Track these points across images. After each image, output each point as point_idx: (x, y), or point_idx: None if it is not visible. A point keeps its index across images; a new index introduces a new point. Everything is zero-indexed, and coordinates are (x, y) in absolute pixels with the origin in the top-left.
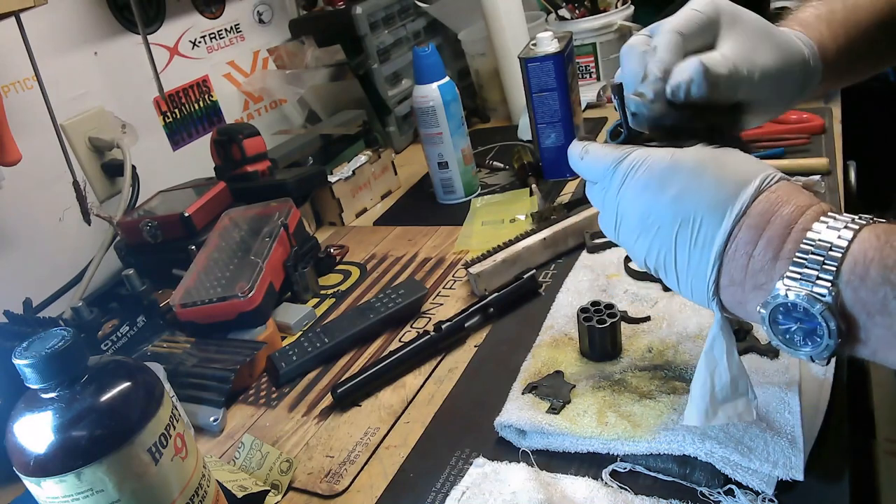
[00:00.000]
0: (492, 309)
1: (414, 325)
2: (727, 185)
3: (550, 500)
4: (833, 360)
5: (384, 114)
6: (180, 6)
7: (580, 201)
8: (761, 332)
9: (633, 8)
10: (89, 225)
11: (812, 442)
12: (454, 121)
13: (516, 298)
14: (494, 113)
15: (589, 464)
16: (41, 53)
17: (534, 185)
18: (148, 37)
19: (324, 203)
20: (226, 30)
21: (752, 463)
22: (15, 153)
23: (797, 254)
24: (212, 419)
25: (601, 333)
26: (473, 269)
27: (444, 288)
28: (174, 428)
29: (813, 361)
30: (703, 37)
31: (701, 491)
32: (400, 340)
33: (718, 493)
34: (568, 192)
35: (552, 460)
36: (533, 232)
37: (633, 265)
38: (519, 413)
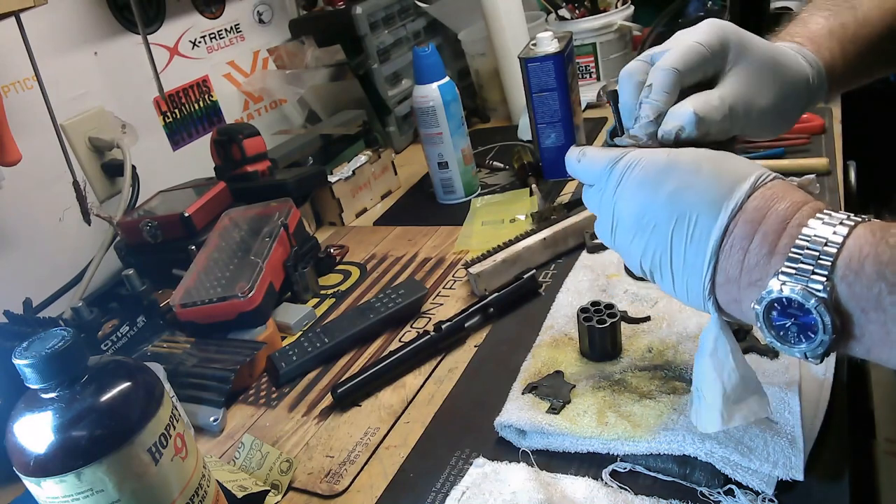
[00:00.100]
0: (492, 309)
1: (414, 325)
2: (723, 181)
3: (550, 500)
4: (832, 359)
5: (384, 114)
6: (180, 6)
7: (580, 201)
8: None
9: (633, 8)
10: (89, 225)
11: (812, 442)
12: (454, 121)
13: (516, 298)
14: (494, 113)
15: (589, 464)
16: (41, 53)
17: (534, 185)
18: (148, 37)
19: (324, 203)
20: (226, 30)
21: (752, 463)
22: (15, 153)
23: (792, 249)
24: (212, 419)
25: (601, 333)
26: (473, 269)
27: (444, 288)
28: (174, 428)
29: (807, 359)
30: (704, 71)
31: (701, 491)
32: (400, 340)
33: (718, 493)
34: (568, 192)
35: (552, 460)
36: (533, 232)
37: None
38: (519, 413)
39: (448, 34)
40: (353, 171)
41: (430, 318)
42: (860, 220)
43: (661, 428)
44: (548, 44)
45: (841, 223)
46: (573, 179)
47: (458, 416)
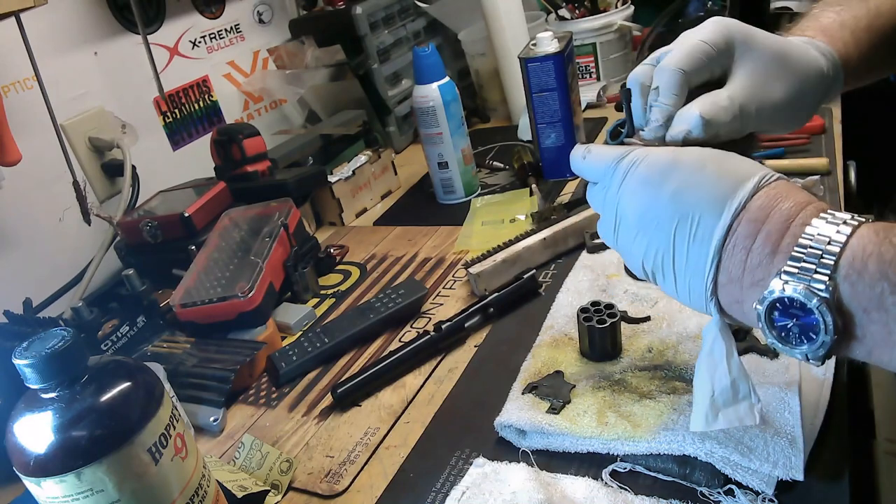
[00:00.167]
0: (492, 309)
1: (414, 325)
2: (727, 180)
3: (550, 500)
4: (832, 359)
5: (384, 114)
6: (180, 6)
7: (580, 201)
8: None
9: (633, 8)
10: (89, 225)
11: (812, 442)
12: (454, 121)
13: (516, 298)
14: (494, 113)
15: (589, 464)
16: (41, 53)
17: (534, 185)
18: (148, 37)
19: (324, 203)
20: (226, 30)
21: (752, 463)
22: (15, 153)
23: (795, 248)
24: (212, 419)
25: (601, 333)
26: (473, 269)
27: (444, 288)
28: (174, 428)
29: (808, 361)
30: (711, 69)
31: (701, 491)
32: (400, 340)
33: (718, 493)
34: (568, 192)
35: (552, 460)
36: (533, 232)
37: None
38: (519, 413)
39: (448, 34)
40: (353, 171)
41: (430, 318)
42: (864, 220)
43: (661, 428)
44: (548, 44)
45: (844, 223)
46: (573, 179)
47: (458, 416)
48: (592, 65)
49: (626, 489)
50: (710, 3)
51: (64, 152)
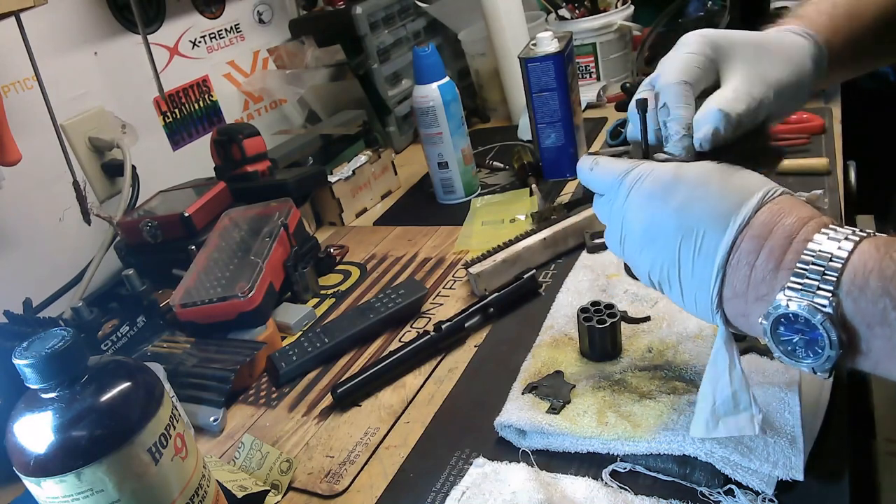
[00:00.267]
0: (492, 309)
1: (414, 325)
2: (731, 196)
3: (550, 500)
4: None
5: (384, 114)
6: (180, 6)
7: (580, 201)
8: None
9: (633, 8)
10: (89, 225)
11: (812, 442)
12: (454, 121)
13: (516, 298)
14: (494, 113)
15: (589, 464)
16: (41, 53)
17: (534, 185)
18: (148, 37)
19: (324, 203)
20: (226, 30)
21: (752, 463)
22: (15, 153)
23: (798, 264)
24: (212, 419)
25: (601, 333)
26: (473, 269)
27: (444, 288)
28: (174, 428)
29: (815, 374)
30: (707, 77)
31: (701, 491)
32: (400, 340)
33: (718, 493)
34: (568, 192)
35: (552, 460)
36: (533, 232)
37: None
38: (519, 413)
39: (448, 34)
40: (353, 171)
41: (430, 318)
42: (865, 234)
43: (661, 428)
44: (548, 44)
45: (846, 238)
46: (573, 179)
47: (458, 416)
48: (592, 65)
49: (626, 489)
50: (710, 2)
51: (64, 152)
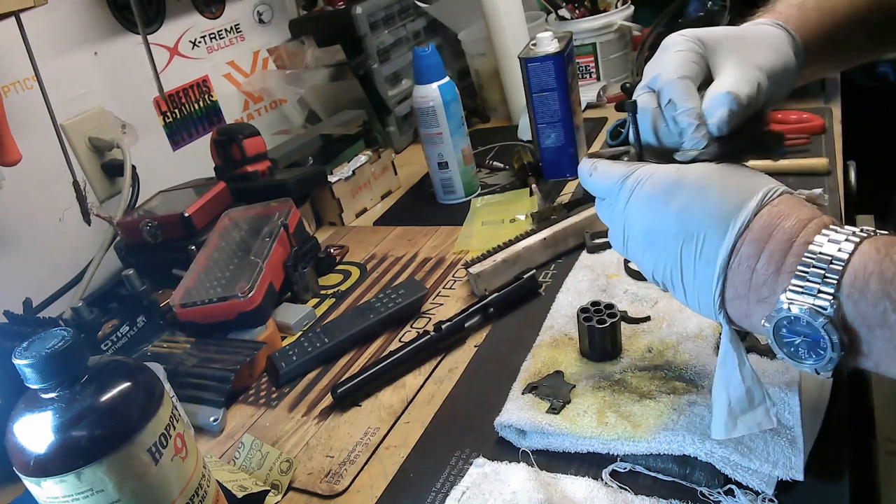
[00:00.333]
0: (492, 309)
1: (414, 325)
2: (730, 199)
3: (550, 500)
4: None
5: (384, 114)
6: (180, 6)
7: (580, 201)
8: None
9: (633, 8)
10: (89, 225)
11: (812, 442)
12: (454, 121)
13: (516, 298)
14: (494, 113)
15: (589, 464)
16: (41, 53)
17: (534, 185)
18: (148, 37)
19: (324, 203)
20: (226, 30)
21: (752, 463)
22: (15, 153)
23: (799, 267)
24: (212, 419)
25: (601, 333)
26: (473, 269)
27: (444, 288)
28: (174, 428)
29: (818, 374)
30: (701, 72)
31: (701, 491)
32: (400, 340)
33: (718, 493)
34: (568, 192)
35: (552, 460)
36: (533, 232)
37: (633, 265)
38: (519, 413)
39: (448, 34)
40: (353, 171)
41: (430, 318)
42: (865, 235)
43: (661, 428)
44: (548, 44)
45: (846, 239)
46: (573, 179)
47: (458, 416)
48: (592, 65)
49: (626, 489)
50: (710, 2)
51: (64, 152)
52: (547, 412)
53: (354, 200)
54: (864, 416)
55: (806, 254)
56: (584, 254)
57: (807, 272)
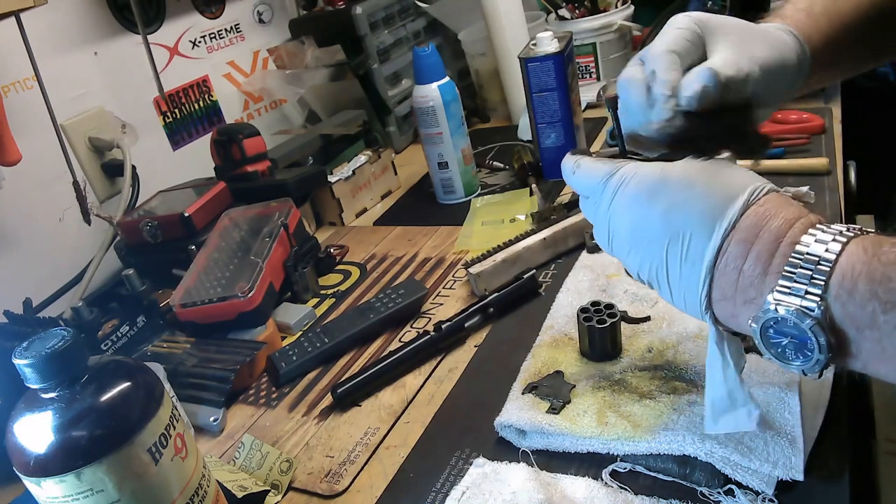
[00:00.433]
0: (492, 309)
1: (414, 325)
2: (716, 199)
3: (550, 500)
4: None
5: (384, 114)
6: (180, 6)
7: (580, 201)
8: None
9: (633, 8)
10: (89, 225)
11: (812, 442)
12: (454, 121)
13: (516, 298)
14: (494, 113)
15: (589, 464)
16: (41, 53)
17: (534, 185)
18: (148, 37)
19: (324, 203)
20: (226, 30)
21: (752, 463)
22: (15, 153)
23: (786, 268)
24: (212, 419)
25: (601, 333)
26: (473, 269)
27: (444, 288)
28: (174, 428)
29: (805, 375)
30: (695, 51)
31: (701, 491)
32: (400, 340)
33: (718, 493)
34: (568, 192)
35: (552, 460)
36: (533, 232)
37: None
38: (519, 413)
39: (448, 34)
40: (353, 171)
41: (430, 318)
42: (852, 234)
43: (661, 428)
44: (548, 44)
45: (833, 239)
46: None
47: (458, 416)
48: (592, 65)
49: (626, 489)
50: (710, 2)
51: (64, 152)
52: (547, 412)
53: (354, 200)
54: (864, 416)
55: (793, 254)
56: (584, 254)
57: (794, 273)
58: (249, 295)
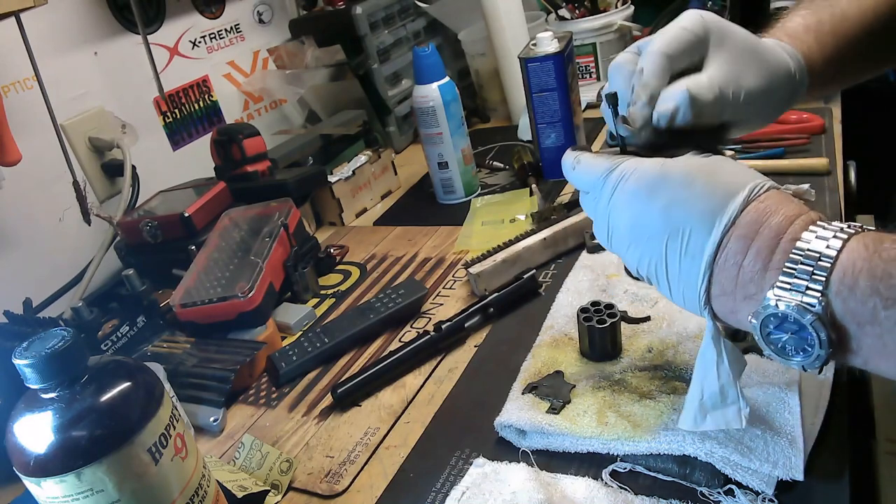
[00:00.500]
0: (492, 309)
1: (414, 325)
2: (716, 195)
3: (550, 500)
4: (829, 364)
5: (384, 114)
6: (180, 6)
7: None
8: None
9: (633, 8)
10: (89, 225)
11: (812, 442)
12: (454, 121)
13: (516, 298)
14: (494, 113)
15: (589, 464)
16: (41, 53)
17: (534, 185)
18: (148, 37)
19: (324, 203)
20: (226, 30)
21: (752, 463)
22: (15, 153)
23: (786, 264)
24: (212, 419)
25: (601, 333)
26: (473, 269)
27: (444, 288)
28: (174, 428)
29: (805, 371)
30: (691, 56)
31: (701, 491)
32: (400, 340)
33: (718, 493)
34: (568, 192)
35: (552, 460)
36: (533, 232)
37: None
38: (519, 413)
39: (448, 34)
40: (353, 171)
41: (430, 318)
42: (853, 231)
43: (661, 428)
44: (548, 44)
45: (834, 236)
46: None
47: (458, 416)
48: (592, 65)
49: (626, 489)
50: (709, 2)
51: (64, 152)
52: (547, 412)
53: (354, 200)
54: (864, 416)
55: (794, 250)
56: (584, 254)
57: (794, 269)
58: (249, 295)
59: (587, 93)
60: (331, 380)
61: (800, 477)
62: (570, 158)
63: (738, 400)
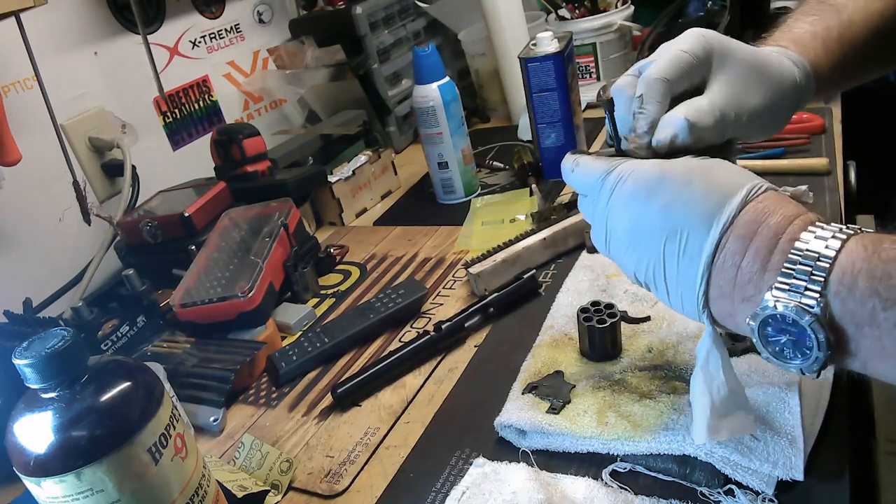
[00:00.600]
0: (492, 309)
1: (414, 325)
2: (714, 195)
3: (550, 500)
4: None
5: (384, 114)
6: (180, 6)
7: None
8: None
9: (633, 8)
10: (89, 225)
11: (812, 442)
12: (454, 121)
13: (516, 298)
14: (494, 113)
15: (589, 464)
16: (41, 53)
17: (534, 185)
18: (148, 37)
19: (324, 203)
20: (226, 30)
21: (752, 463)
22: (15, 153)
23: (785, 264)
24: (212, 419)
25: (601, 333)
26: (473, 269)
27: (444, 288)
28: (174, 428)
29: (803, 374)
30: (691, 79)
31: (701, 491)
32: (400, 340)
33: (718, 493)
34: (568, 192)
35: (552, 460)
36: (533, 232)
37: None
38: (519, 413)
39: (448, 34)
40: (353, 171)
41: (430, 318)
42: (851, 232)
43: (661, 428)
44: (548, 44)
45: (833, 236)
46: None
47: (458, 416)
48: (592, 65)
49: (626, 489)
50: (710, 2)
51: (64, 152)
52: (547, 412)
53: (354, 200)
54: (864, 416)
55: (792, 251)
56: (584, 254)
57: (793, 269)
58: (249, 295)
59: (587, 93)
60: (331, 380)
61: (800, 477)
62: (569, 161)
63: (746, 403)
